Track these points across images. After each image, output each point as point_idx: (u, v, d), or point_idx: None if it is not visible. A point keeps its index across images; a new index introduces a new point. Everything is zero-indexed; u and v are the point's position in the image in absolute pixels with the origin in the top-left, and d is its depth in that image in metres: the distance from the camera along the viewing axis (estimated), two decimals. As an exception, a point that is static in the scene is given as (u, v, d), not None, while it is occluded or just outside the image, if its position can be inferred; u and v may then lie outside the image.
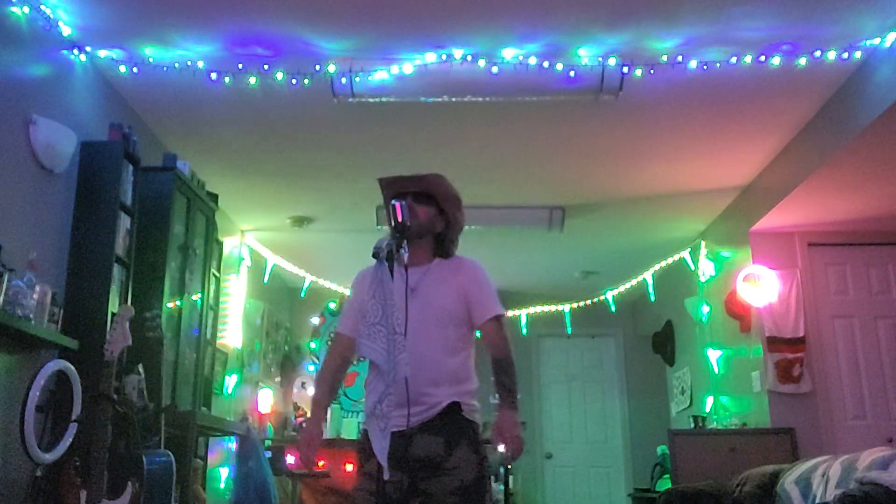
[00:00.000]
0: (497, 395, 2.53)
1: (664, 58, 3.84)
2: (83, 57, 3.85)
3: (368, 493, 2.36)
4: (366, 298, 2.36)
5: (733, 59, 3.85)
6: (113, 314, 3.43)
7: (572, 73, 3.85)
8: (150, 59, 3.88)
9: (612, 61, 3.84)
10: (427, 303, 2.49)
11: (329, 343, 3.45)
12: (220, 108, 4.41)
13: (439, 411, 2.43)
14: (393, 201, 2.36)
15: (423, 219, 2.58)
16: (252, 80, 3.98)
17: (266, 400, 6.84)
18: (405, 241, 2.30)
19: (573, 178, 5.46)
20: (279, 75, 3.95)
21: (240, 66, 3.90)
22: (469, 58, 3.83)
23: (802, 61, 3.85)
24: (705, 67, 3.88)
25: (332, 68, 3.89)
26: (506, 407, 2.48)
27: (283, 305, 7.96)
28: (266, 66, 3.91)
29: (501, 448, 2.47)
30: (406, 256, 2.29)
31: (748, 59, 3.84)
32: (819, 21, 3.59)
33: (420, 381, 2.35)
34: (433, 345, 2.47)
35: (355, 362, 3.30)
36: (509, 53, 3.83)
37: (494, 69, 3.85)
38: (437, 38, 3.76)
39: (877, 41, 3.72)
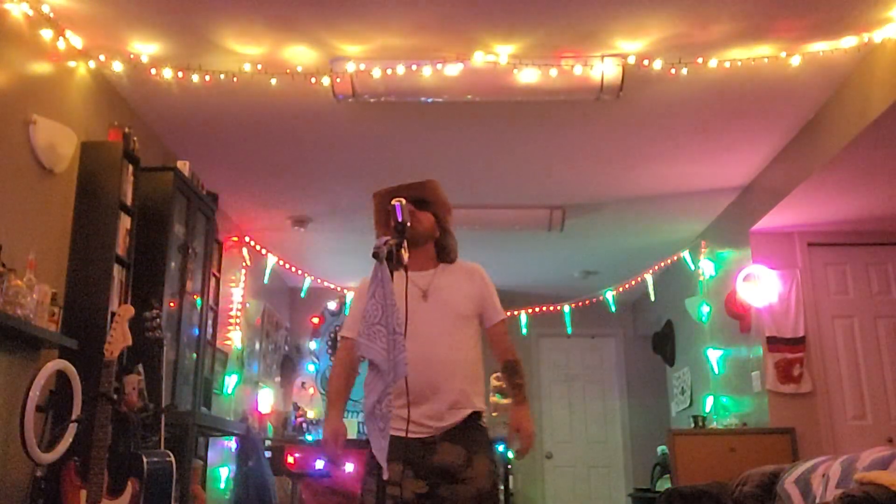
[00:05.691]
0: (511, 393, 2.71)
1: (664, 58, 3.84)
2: (83, 57, 3.84)
3: (392, 500, 2.37)
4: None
5: (733, 60, 3.85)
6: (113, 314, 3.43)
7: (573, 73, 3.84)
8: (151, 59, 3.88)
9: (612, 61, 3.84)
10: (444, 305, 2.56)
11: (335, 343, 3.47)
12: (220, 108, 4.40)
13: (462, 419, 2.49)
14: (392, 201, 2.37)
15: (426, 224, 2.63)
16: (252, 79, 3.98)
17: (266, 400, 6.84)
18: (405, 242, 2.30)
19: (573, 178, 5.46)
20: (279, 75, 3.95)
21: (240, 66, 3.89)
22: (468, 58, 3.83)
23: (802, 61, 3.85)
24: (706, 68, 3.89)
25: (332, 68, 3.89)
26: (521, 404, 2.66)
27: (283, 305, 7.97)
28: (266, 67, 3.91)
29: (516, 446, 2.59)
30: (406, 256, 2.29)
31: (748, 59, 3.84)
32: (818, 20, 3.60)
33: (440, 381, 2.46)
34: (453, 346, 2.54)
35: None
36: (509, 53, 3.83)
37: (495, 69, 3.85)
38: (437, 39, 3.76)
39: (876, 41, 3.72)
